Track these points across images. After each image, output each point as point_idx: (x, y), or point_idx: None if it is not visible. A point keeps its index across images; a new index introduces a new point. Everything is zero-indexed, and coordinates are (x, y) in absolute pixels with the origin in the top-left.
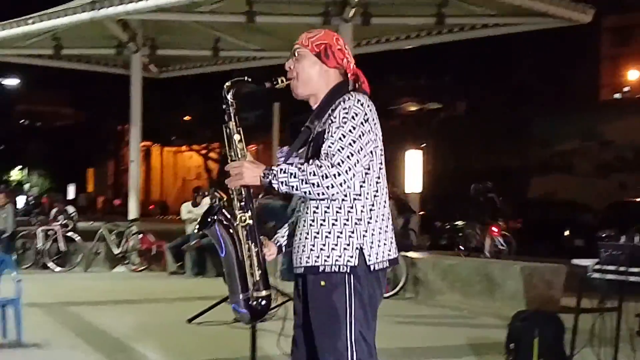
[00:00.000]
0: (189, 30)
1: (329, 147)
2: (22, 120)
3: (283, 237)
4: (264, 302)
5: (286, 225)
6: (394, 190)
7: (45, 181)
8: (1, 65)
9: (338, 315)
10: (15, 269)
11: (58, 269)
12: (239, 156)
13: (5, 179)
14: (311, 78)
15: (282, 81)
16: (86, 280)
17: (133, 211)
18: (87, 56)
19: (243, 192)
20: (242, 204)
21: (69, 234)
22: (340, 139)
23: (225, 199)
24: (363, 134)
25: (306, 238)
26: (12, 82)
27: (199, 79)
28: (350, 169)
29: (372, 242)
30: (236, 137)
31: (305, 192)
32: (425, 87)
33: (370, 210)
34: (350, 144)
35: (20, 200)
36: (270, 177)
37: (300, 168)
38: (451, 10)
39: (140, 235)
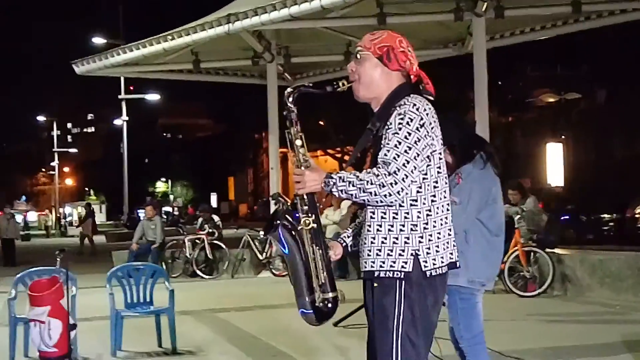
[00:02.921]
0: (321, 36)
1: (385, 154)
2: (165, 134)
3: (349, 237)
4: (330, 304)
5: (352, 224)
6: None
7: (189, 191)
8: (143, 82)
9: (387, 318)
10: (167, 278)
11: (206, 276)
12: (302, 162)
13: (151, 191)
14: (373, 81)
15: (343, 84)
16: (233, 286)
17: None
18: (225, 68)
19: (306, 198)
20: (306, 208)
21: (215, 242)
22: (395, 146)
23: (289, 203)
24: (419, 140)
25: (364, 244)
26: (153, 97)
27: None
28: (407, 177)
29: (428, 248)
30: (298, 142)
31: (364, 200)
32: (563, 77)
33: (427, 215)
34: (406, 150)
35: (165, 211)
36: (330, 185)
37: (358, 176)
38: None
39: None
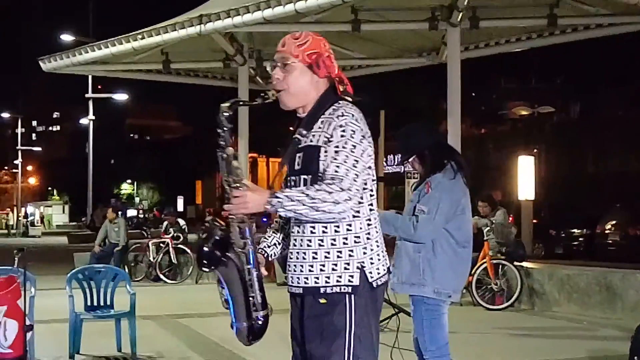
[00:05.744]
0: None
1: (336, 171)
2: (132, 134)
3: (269, 246)
4: (261, 322)
5: (270, 232)
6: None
7: (155, 194)
8: (111, 81)
9: (338, 333)
10: (129, 282)
11: (169, 281)
12: (239, 183)
13: (116, 192)
14: (303, 89)
15: (272, 95)
16: (197, 292)
17: None
18: (195, 70)
19: (244, 219)
20: (242, 230)
21: (180, 246)
22: (344, 161)
23: (225, 227)
24: (363, 152)
25: (304, 258)
26: (121, 97)
27: None
28: (358, 191)
29: (372, 258)
30: (235, 163)
31: (314, 218)
32: (537, 90)
33: (368, 225)
34: (354, 165)
35: (130, 214)
36: (275, 205)
37: (307, 194)
38: (564, 11)
39: None
